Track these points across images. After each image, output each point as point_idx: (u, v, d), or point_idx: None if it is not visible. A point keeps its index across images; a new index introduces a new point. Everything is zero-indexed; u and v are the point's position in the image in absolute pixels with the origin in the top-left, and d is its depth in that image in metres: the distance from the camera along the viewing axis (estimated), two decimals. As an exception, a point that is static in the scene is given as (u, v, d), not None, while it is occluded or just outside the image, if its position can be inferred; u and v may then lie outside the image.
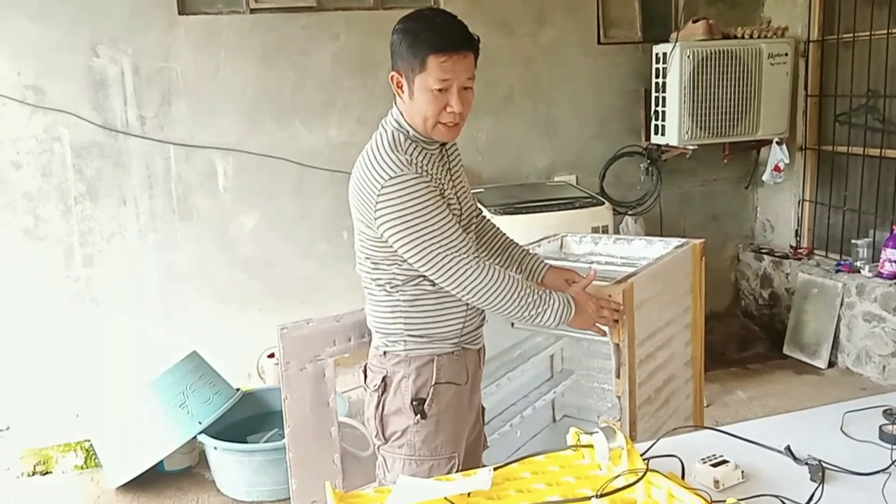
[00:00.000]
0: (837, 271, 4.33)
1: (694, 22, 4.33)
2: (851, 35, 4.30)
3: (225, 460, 3.24)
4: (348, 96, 4.05)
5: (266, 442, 3.38)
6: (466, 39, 1.79)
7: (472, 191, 3.91)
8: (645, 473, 1.28)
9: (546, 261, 2.25)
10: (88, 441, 3.55)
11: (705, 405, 3.04)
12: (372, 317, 2.00)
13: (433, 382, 1.92)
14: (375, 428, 1.98)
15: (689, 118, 4.25)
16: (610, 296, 2.10)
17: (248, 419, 3.54)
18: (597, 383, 3.08)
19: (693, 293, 2.71)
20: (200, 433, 3.23)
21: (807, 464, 1.44)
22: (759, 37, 4.38)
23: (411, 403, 1.92)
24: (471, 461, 2.12)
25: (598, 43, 4.51)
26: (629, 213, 4.58)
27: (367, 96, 4.06)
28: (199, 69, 3.86)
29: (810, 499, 1.33)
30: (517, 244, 2.26)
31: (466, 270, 1.80)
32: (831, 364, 4.29)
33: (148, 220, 3.89)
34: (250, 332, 3.93)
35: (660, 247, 2.72)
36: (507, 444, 2.72)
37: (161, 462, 3.29)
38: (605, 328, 2.11)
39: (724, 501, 1.21)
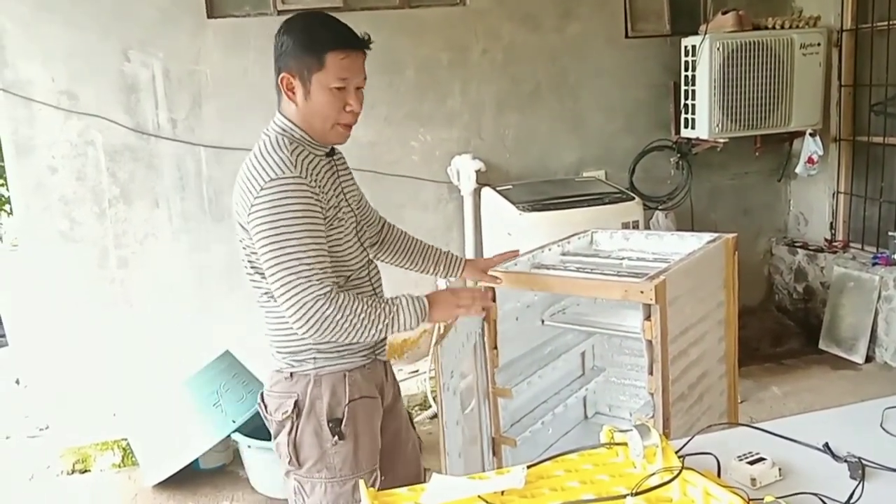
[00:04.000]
0: (874, 264, 4.25)
1: (723, 13, 4.27)
2: (886, 23, 4.21)
3: (258, 458, 3.27)
4: (375, 95, 4.06)
5: (299, 440, 3.41)
6: (360, 39, 1.78)
7: (500, 188, 3.98)
8: (680, 471, 1.27)
9: (460, 256, 2.26)
10: (125, 440, 3.61)
11: (739, 401, 3.00)
12: (274, 336, 1.88)
13: (348, 400, 1.85)
14: (288, 454, 1.88)
15: (719, 111, 4.20)
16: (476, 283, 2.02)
17: (281, 417, 3.57)
18: (629, 380, 3.05)
19: (726, 288, 2.67)
20: (234, 431, 3.26)
21: (846, 461, 1.42)
22: (790, 27, 4.30)
23: (328, 425, 1.84)
24: (411, 469, 2.11)
25: (626, 37, 4.47)
26: (659, 207, 4.54)
27: (394, 95, 4.07)
28: (229, 71, 3.90)
29: (850, 497, 1.31)
30: (430, 245, 2.25)
31: (316, 304, 1.67)
32: (869, 359, 4.22)
33: (180, 221, 3.93)
34: (282, 332, 3.96)
35: (692, 242, 2.69)
36: (539, 442, 2.71)
37: (196, 460, 3.34)
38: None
39: (762, 499, 1.19)
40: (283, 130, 1.80)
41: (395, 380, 2.08)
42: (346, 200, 1.91)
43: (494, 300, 2.41)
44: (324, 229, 1.74)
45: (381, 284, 2.01)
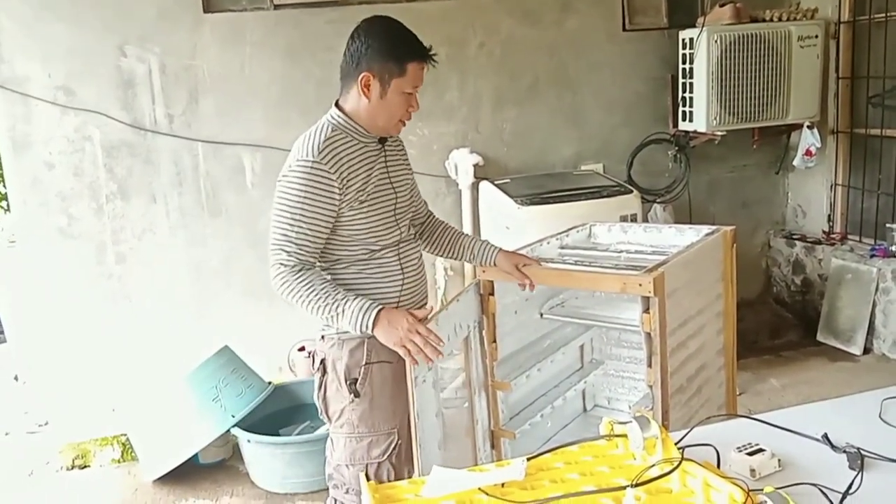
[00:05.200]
0: (872, 256, 4.26)
1: (721, 6, 4.26)
2: (884, 15, 4.20)
3: (258, 453, 3.28)
4: (373, 90, 4.05)
5: (298, 434, 3.42)
6: (430, 51, 2.00)
7: (498, 182, 3.97)
8: (680, 462, 1.27)
9: (496, 245, 2.34)
10: (125, 435, 3.62)
11: (738, 394, 3.01)
12: None
13: (364, 363, 2.04)
14: (320, 408, 2.14)
15: (717, 104, 4.19)
16: (433, 327, 1.94)
17: (280, 412, 3.57)
18: (627, 373, 3.06)
19: (724, 281, 2.68)
20: (234, 426, 3.27)
21: (845, 452, 1.42)
22: (787, 19, 4.30)
23: (345, 383, 2.05)
24: None
25: (624, 30, 4.46)
26: (657, 200, 4.54)
27: (392, 89, 4.05)
28: (225, 66, 3.88)
29: (849, 487, 1.31)
30: (466, 234, 2.43)
31: (275, 272, 1.94)
32: (867, 350, 4.23)
33: (178, 217, 3.93)
34: (281, 327, 3.96)
35: (690, 235, 2.70)
36: (539, 435, 2.72)
37: (196, 455, 3.34)
38: (419, 358, 1.92)
39: (762, 490, 1.20)
40: (332, 118, 2.02)
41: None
42: (391, 183, 2.09)
43: (493, 293, 2.41)
44: (325, 214, 1.94)
45: (412, 265, 2.14)
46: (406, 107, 2.02)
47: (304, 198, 1.91)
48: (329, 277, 2.04)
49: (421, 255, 2.23)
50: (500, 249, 2.32)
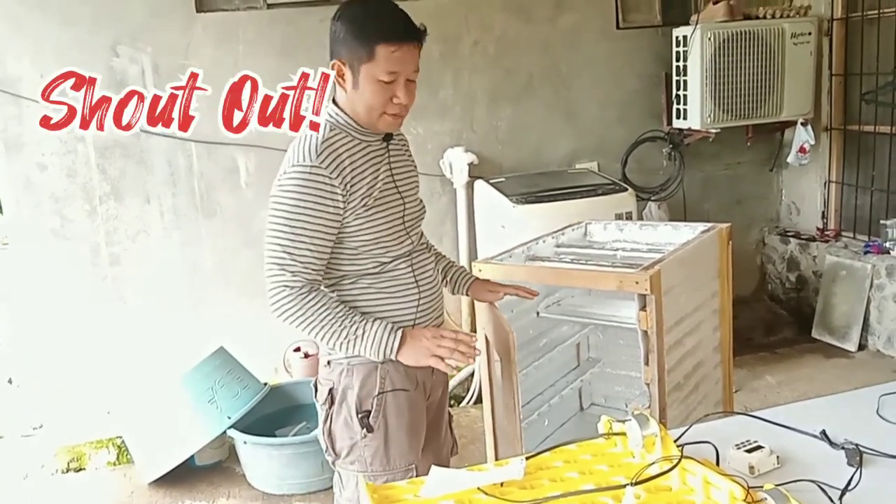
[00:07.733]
0: (866, 253, 4.27)
1: (714, 3, 4.26)
2: (877, 11, 4.21)
3: (255, 454, 3.27)
4: (367, 89, 4.03)
5: (294, 435, 3.41)
6: (415, 30, 1.74)
7: (493, 180, 3.97)
8: (680, 460, 1.27)
9: (471, 274, 2.17)
10: (120, 437, 3.60)
11: (734, 391, 3.01)
12: None
13: (377, 392, 1.80)
14: (325, 443, 1.89)
15: (711, 101, 4.19)
16: (459, 328, 1.91)
17: (276, 413, 3.57)
18: (624, 371, 3.06)
19: (720, 278, 2.68)
20: (230, 428, 3.26)
21: (843, 448, 1.42)
22: (781, 16, 4.30)
23: (357, 416, 1.81)
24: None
25: (618, 27, 4.46)
26: (652, 198, 4.54)
27: (386, 88, 4.04)
28: (218, 66, 3.86)
29: (848, 483, 1.31)
30: (444, 258, 2.15)
31: (278, 296, 1.69)
32: (861, 347, 4.24)
33: (172, 217, 3.91)
34: (276, 327, 3.90)
35: (686, 232, 2.70)
36: (536, 433, 2.72)
37: (192, 457, 3.33)
38: (452, 363, 1.77)
39: (761, 487, 1.19)
40: (329, 116, 1.80)
41: (445, 375, 2.03)
42: (397, 188, 1.86)
43: (490, 292, 2.39)
44: (329, 225, 1.72)
45: (428, 277, 1.91)
46: (386, 97, 1.74)
47: (305, 208, 1.69)
48: (337, 297, 1.80)
49: (434, 266, 1.99)
50: (475, 279, 2.15)
